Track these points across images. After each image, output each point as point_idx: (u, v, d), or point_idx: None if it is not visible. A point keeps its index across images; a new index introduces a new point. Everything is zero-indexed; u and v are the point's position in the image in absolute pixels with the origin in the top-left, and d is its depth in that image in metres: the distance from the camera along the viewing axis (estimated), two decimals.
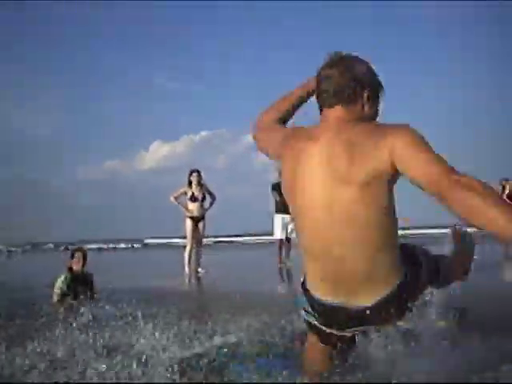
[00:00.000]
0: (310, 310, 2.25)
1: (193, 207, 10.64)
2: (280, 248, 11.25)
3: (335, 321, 2.15)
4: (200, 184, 10.69)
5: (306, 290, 2.26)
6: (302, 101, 2.58)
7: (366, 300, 2.07)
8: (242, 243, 34.99)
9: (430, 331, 2.28)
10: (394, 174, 2.02)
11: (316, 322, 2.24)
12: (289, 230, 11.21)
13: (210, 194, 10.83)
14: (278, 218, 11.23)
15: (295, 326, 3.17)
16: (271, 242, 12.53)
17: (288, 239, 11.26)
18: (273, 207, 11.41)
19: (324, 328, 2.22)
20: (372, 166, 2.00)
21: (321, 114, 2.29)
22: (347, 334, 2.17)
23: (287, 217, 11.23)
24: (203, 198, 10.72)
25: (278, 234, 11.20)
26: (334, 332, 2.19)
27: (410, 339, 2.14)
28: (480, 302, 3.75)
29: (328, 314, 2.15)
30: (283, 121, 2.54)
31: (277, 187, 11.23)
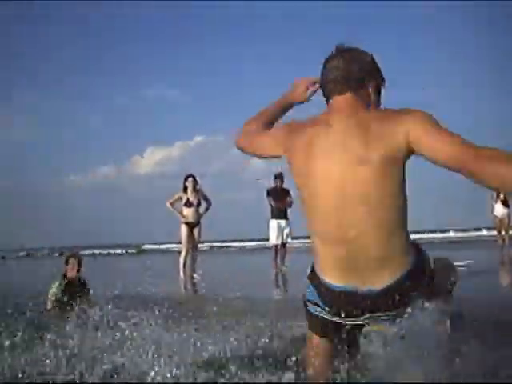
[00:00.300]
0: (318, 301, 2.22)
1: (188, 213, 10.61)
2: (276, 253, 11.24)
3: (347, 307, 2.12)
4: (195, 189, 10.67)
5: (314, 279, 2.22)
6: (283, 111, 2.64)
7: (378, 283, 2.07)
8: (239, 248, 34.96)
9: (426, 335, 2.27)
10: (409, 155, 2.08)
11: (325, 314, 2.21)
12: (284, 236, 11.21)
13: (206, 199, 10.81)
14: (274, 223, 11.22)
15: (294, 331, 3.16)
16: (268, 248, 12.53)
17: (284, 244, 11.25)
18: (268, 213, 11.41)
19: (333, 318, 2.19)
20: (388, 146, 2.05)
21: (328, 103, 2.33)
22: (359, 322, 2.16)
23: (283, 222, 11.24)
24: (198, 204, 10.69)
25: (274, 240, 11.18)
26: (345, 322, 2.17)
27: (407, 343, 2.14)
28: (476, 306, 3.74)
29: (340, 300, 2.12)
30: (269, 127, 2.56)
31: (272, 193, 11.23)
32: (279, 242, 11.16)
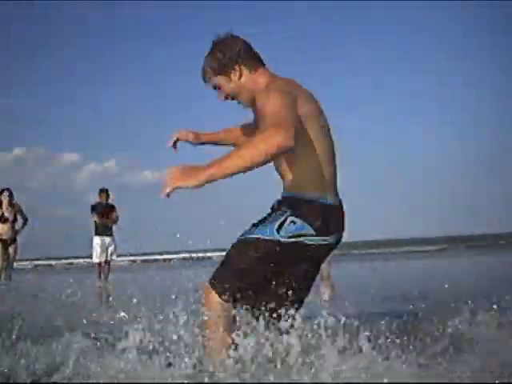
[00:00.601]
0: (305, 230, 2.44)
1: (2, 229, 9.90)
2: (99, 271, 10.86)
3: (337, 221, 2.56)
4: (11, 204, 9.99)
5: (308, 209, 2.47)
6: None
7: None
8: (64, 266, 33.45)
9: None
10: None
11: (311, 240, 2.45)
12: (109, 253, 10.86)
13: (22, 215, 10.16)
14: (97, 240, 10.84)
15: None
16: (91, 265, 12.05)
17: (108, 262, 10.90)
18: (92, 229, 11.00)
19: (321, 240, 2.47)
20: None
21: (256, 69, 2.64)
22: (332, 240, 2.53)
23: (107, 239, 10.89)
24: (14, 219, 10.02)
25: (97, 257, 10.80)
26: (329, 241, 2.51)
27: None
28: None
29: (334, 215, 2.55)
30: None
31: (96, 208, 10.85)
32: (103, 259, 10.81)
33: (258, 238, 2.46)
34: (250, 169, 2.18)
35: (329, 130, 2.62)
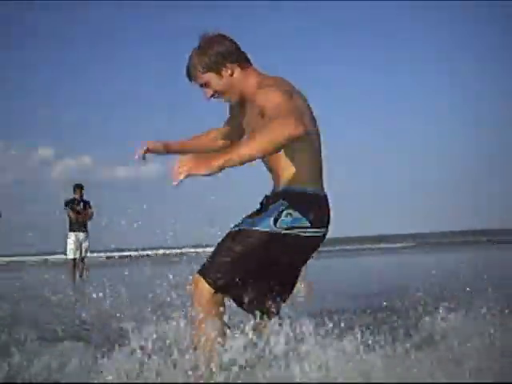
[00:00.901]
0: (301, 222, 2.50)
1: None
2: (73, 268, 10.64)
3: (327, 214, 2.61)
4: None
5: (303, 201, 2.53)
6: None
7: None
8: (39, 262, 33.07)
9: None
10: None
11: (307, 232, 2.51)
12: (83, 250, 10.67)
13: None
14: (72, 237, 10.64)
15: None
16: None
17: (82, 259, 10.72)
18: (67, 225, 10.79)
19: (314, 232, 2.53)
20: None
21: (247, 68, 2.64)
22: (323, 233, 2.58)
23: (82, 235, 10.69)
24: None
25: (71, 254, 10.59)
26: (321, 233, 2.56)
27: None
28: None
29: (326, 208, 2.61)
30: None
31: (71, 204, 10.65)
32: (77, 256, 10.62)
33: (254, 230, 2.48)
34: (261, 157, 2.36)
35: (317, 124, 2.65)
